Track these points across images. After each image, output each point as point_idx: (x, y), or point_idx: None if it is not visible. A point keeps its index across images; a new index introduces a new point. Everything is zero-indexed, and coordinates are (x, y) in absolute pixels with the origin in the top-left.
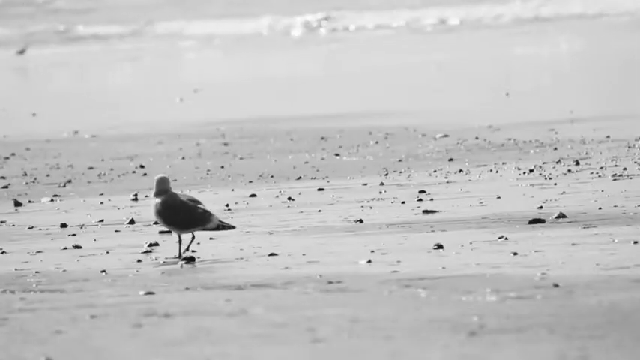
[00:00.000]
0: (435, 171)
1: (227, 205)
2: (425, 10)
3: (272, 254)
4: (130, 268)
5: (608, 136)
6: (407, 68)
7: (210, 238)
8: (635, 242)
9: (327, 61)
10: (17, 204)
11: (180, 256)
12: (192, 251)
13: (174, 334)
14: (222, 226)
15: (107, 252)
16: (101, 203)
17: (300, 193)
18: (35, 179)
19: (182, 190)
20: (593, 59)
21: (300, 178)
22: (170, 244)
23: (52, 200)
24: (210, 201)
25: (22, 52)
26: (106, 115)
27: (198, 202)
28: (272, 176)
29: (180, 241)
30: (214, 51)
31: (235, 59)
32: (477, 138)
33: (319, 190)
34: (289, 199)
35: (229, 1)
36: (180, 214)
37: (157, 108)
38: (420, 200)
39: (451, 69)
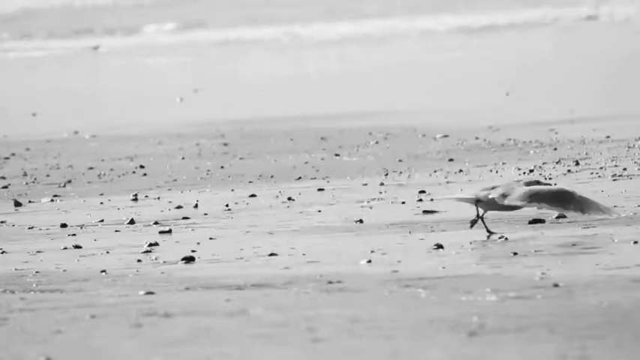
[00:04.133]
0: (435, 171)
1: (227, 205)
2: (425, 12)
3: (272, 254)
4: (130, 268)
5: (608, 136)
6: (407, 68)
7: (210, 238)
8: (635, 242)
9: (327, 61)
10: (17, 204)
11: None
12: (192, 251)
13: (175, 334)
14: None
15: (107, 252)
16: (101, 203)
17: (300, 193)
18: (35, 179)
19: (182, 190)
20: (593, 59)
21: (300, 178)
22: (170, 244)
23: (52, 200)
24: (211, 201)
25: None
26: (106, 115)
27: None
28: (272, 176)
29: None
30: (214, 52)
31: (235, 60)
32: (477, 138)
33: (319, 190)
34: (289, 199)
35: (229, 4)
36: None
37: (156, 108)
38: (420, 200)
39: (451, 69)
